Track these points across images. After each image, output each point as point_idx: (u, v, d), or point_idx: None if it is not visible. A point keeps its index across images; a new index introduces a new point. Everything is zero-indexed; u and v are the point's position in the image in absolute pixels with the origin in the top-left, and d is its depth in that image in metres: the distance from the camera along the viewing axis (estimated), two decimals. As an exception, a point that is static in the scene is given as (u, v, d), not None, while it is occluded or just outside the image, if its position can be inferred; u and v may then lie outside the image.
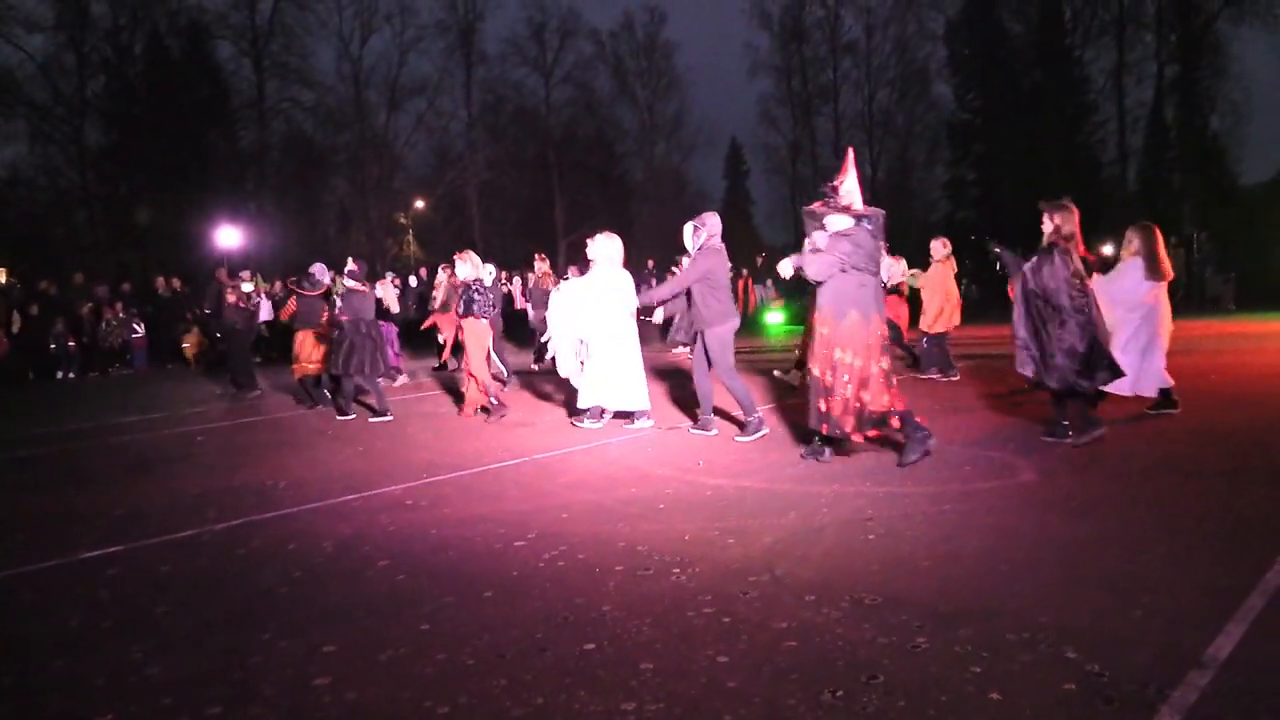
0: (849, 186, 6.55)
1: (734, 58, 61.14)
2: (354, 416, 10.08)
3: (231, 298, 12.73)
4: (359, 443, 8.67)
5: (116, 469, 8.10)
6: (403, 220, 40.54)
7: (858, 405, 6.32)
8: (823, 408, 6.44)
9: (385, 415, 9.97)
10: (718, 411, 8.46)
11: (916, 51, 42.57)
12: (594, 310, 8.68)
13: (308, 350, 11.04)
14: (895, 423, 6.35)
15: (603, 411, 8.84)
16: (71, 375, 18.60)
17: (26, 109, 32.62)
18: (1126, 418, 7.97)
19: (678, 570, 4.40)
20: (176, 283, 21.29)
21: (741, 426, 7.98)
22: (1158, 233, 8.01)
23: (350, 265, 10.46)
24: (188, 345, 19.20)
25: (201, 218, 31.15)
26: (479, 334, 9.70)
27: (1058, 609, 3.70)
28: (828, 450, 6.75)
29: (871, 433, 6.44)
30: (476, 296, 9.56)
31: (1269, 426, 7.39)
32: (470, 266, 9.92)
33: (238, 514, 5.99)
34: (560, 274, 16.56)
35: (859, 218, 6.48)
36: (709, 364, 8.05)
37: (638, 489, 6.20)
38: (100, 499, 6.75)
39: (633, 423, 8.73)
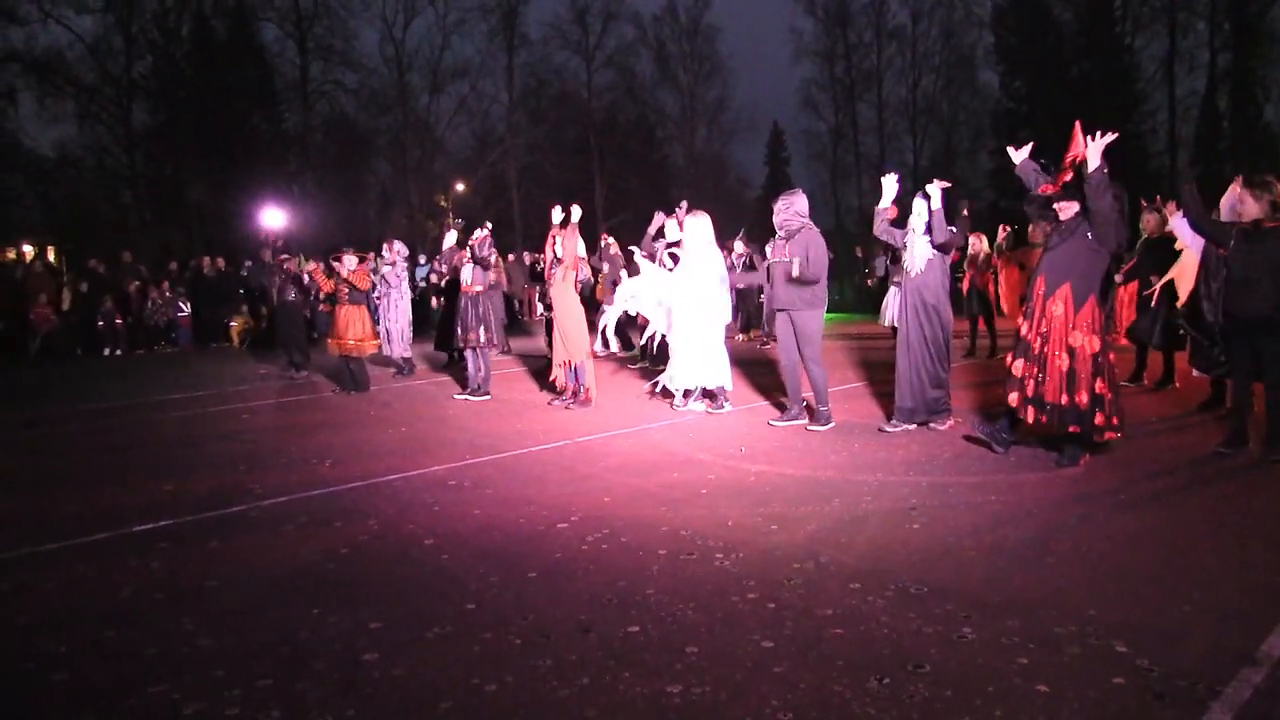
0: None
1: (777, 43, 60.71)
2: (490, 396, 9.98)
3: (290, 265, 12.77)
4: (402, 423, 8.75)
5: (164, 444, 8.24)
6: (443, 203, 40.74)
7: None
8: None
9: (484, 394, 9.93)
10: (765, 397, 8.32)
11: (963, 38, 42.12)
12: (688, 288, 8.44)
13: (354, 328, 10.78)
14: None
15: (689, 392, 8.72)
16: (118, 352, 18.91)
17: (75, 90, 33.13)
18: (1176, 415, 7.87)
19: (721, 555, 4.41)
20: (221, 262, 21.53)
21: (812, 415, 7.74)
22: None
23: (482, 233, 10.11)
24: (234, 325, 19.41)
25: (245, 198, 31.53)
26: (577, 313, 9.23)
27: (1105, 602, 3.66)
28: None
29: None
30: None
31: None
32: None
33: (284, 491, 6.09)
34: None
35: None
36: (800, 349, 7.65)
37: (680, 474, 6.21)
38: (149, 474, 6.87)
39: (719, 405, 8.62)
